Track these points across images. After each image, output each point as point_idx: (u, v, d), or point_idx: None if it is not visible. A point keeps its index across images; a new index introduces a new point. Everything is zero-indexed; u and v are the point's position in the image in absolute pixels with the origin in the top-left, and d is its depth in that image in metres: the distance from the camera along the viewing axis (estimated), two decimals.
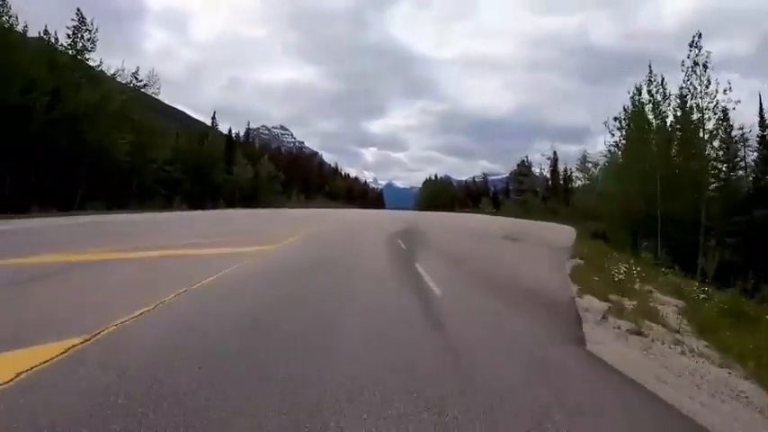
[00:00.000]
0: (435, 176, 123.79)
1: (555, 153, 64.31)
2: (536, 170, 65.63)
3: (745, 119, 30.57)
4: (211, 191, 49.32)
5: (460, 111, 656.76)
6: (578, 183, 58.75)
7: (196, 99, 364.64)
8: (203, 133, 54.71)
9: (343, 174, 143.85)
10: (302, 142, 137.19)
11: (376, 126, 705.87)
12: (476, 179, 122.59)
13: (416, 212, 64.72)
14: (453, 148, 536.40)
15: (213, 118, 59.46)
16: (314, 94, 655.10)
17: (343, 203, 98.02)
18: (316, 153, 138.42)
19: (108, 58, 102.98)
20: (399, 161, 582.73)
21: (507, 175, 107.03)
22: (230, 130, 66.87)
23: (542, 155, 65.04)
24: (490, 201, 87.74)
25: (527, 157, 67.40)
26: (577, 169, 49.65)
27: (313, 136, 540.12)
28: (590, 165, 48.16)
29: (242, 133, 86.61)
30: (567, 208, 46.91)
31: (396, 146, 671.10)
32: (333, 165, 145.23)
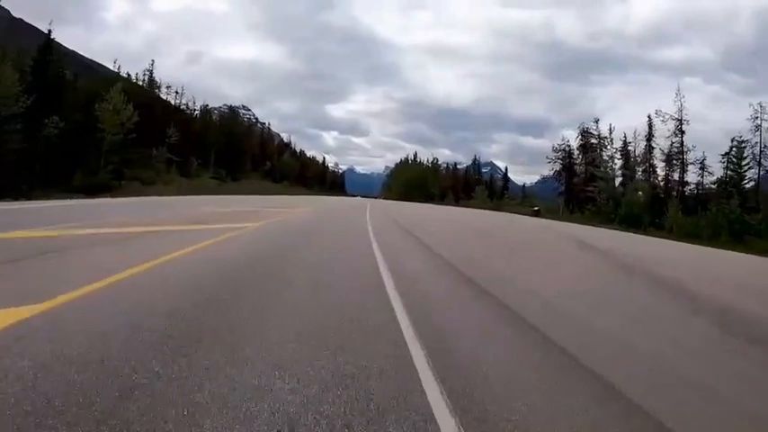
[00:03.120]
0: (415, 156, 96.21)
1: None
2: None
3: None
4: None
5: (423, 99, 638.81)
6: None
7: (156, 73, 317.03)
8: None
9: (297, 151, 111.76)
10: (264, 123, 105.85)
11: (338, 110, 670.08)
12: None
13: (421, 206, 35.94)
14: (415, 135, 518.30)
15: None
16: (276, 74, 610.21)
17: (289, 187, 68.20)
18: (258, 123, 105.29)
19: (64, 27, 64.15)
20: (359, 146, 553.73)
21: (469, 164, 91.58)
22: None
23: (658, 113, 36.56)
24: (485, 190, 70.56)
25: (597, 121, 38.88)
26: None
27: (273, 117, 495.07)
28: None
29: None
30: None
31: (357, 131, 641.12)
32: (285, 139, 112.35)
